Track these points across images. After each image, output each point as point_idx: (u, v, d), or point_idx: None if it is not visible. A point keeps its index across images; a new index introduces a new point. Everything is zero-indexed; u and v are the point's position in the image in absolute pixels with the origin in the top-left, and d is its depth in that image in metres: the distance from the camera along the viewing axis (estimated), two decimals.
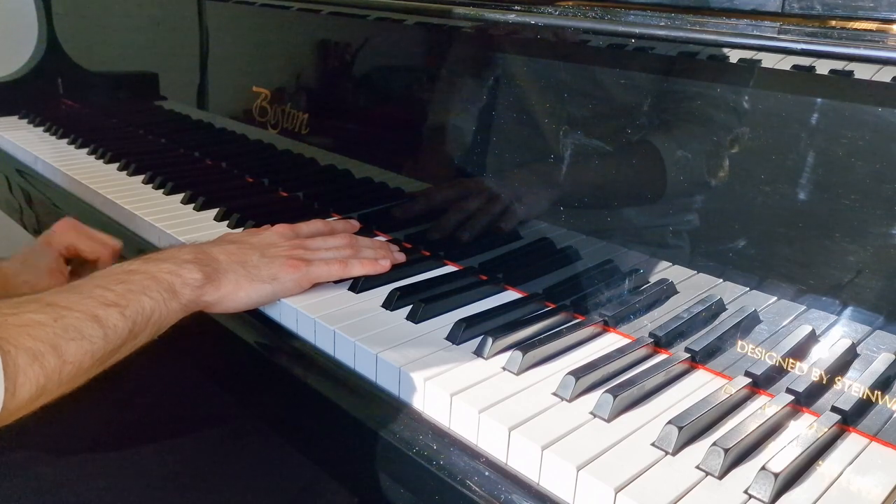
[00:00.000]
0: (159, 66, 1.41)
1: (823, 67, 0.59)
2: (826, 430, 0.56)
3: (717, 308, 0.69)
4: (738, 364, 0.65)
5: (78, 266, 0.97)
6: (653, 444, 0.56)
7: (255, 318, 0.79)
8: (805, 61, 0.60)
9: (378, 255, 0.84)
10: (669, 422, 0.56)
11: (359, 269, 0.80)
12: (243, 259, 0.76)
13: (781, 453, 0.53)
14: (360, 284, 0.79)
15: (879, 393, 0.58)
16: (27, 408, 0.58)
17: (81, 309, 0.62)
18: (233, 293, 0.74)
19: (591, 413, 0.59)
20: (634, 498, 0.50)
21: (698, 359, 0.66)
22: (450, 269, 0.86)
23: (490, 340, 0.67)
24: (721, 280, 0.69)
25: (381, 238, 0.94)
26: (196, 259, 0.73)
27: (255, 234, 0.83)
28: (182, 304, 0.70)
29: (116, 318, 0.64)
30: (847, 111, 0.59)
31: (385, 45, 0.97)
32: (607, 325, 0.73)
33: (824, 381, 0.61)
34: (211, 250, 0.76)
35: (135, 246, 0.98)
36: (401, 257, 0.86)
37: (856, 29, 0.58)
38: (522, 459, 0.56)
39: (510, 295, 0.80)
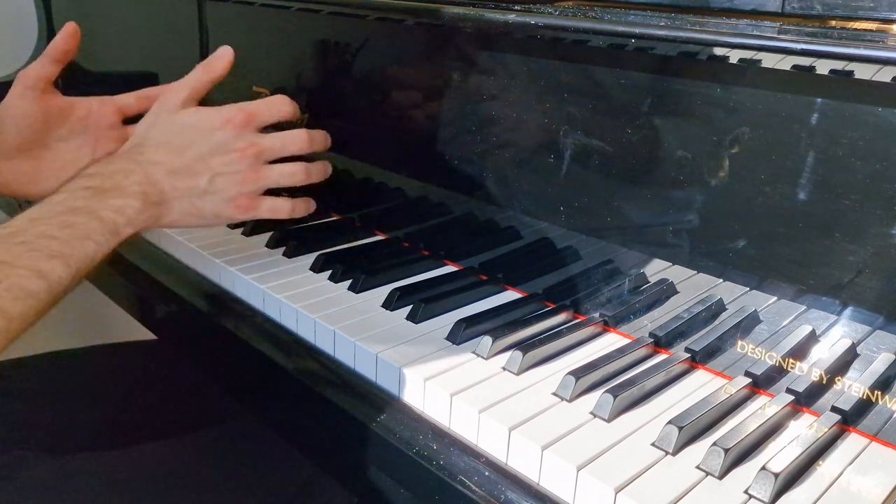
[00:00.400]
0: (159, 66, 1.41)
1: (823, 67, 0.59)
2: (826, 430, 0.56)
3: (717, 308, 0.69)
4: (738, 364, 0.65)
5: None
6: (653, 444, 0.56)
7: (255, 318, 0.79)
8: (805, 61, 0.60)
9: (318, 169, 0.83)
10: (669, 422, 0.56)
11: (303, 210, 0.81)
12: (191, 185, 0.74)
13: (781, 453, 0.53)
14: (359, 284, 0.79)
15: (879, 393, 0.58)
16: None
17: (26, 265, 0.61)
18: (172, 224, 0.75)
19: (592, 413, 0.59)
20: (634, 498, 0.50)
21: (698, 359, 0.66)
22: (450, 269, 0.86)
23: (490, 340, 0.67)
24: (721, 280, 0.69)
25: (380, 237, 0.95)
26: (143, 193, 0.71)
27: (210, 129, 0.76)
28: (121, 239, 0.69)
29: (61, 269, 0.63)
30: (847, 111, 0.59)
31: (385, 45, 0.97)
32: (607, 325, 0.73)
33: (824, 381, 0.61)
34: (157, 175, 0.73)
35: (134, 245, 0.98)
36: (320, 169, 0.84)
37: (856, 29, 0.58)
38: (522, 459, 0.56)
39: (510, 295, 0.80)
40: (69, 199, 0.68)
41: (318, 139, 0.82)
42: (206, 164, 0.74)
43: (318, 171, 0.83)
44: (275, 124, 0.81)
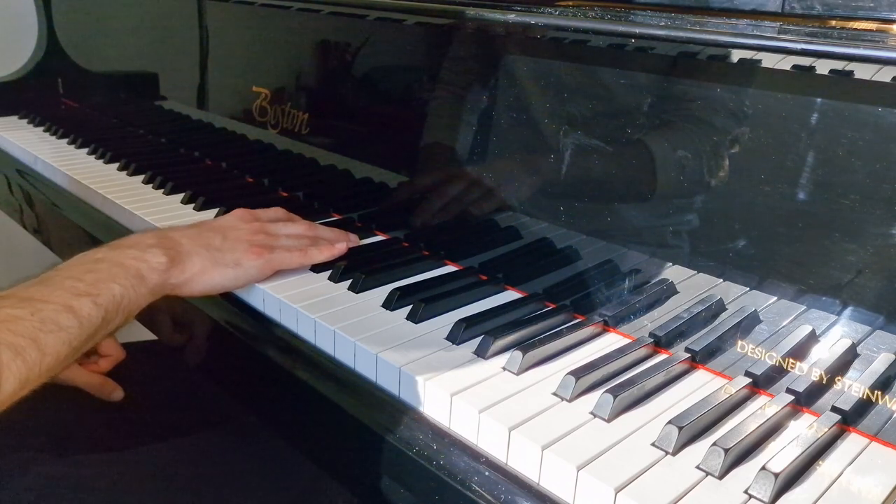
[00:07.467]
0: (159, 66, 1.41)
1: (823, 67, 0.59)
2: (826, 430, 0.56)
3: (717, 308, 0.69)
4: (738, 364, 0.65)
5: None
6: (653, 444, 0.56)
7: (255, 318, 0.79)
8: (805, 61, 0.60)
9: (335, 238, 0.87)
10: (669, 422, 0.56)
11: (318, 256, 0.83)
12: (206, 242, 0.78)
13: (781, 453, 0.53)
14: (360, 284, 0.79)
15: (879, 393, 0.58)
16: (9, 401, 0.59)
17: (56, 300, 0.64)
18: (198, 276, 0.76)
19: (592, 413, 0.59)
20: (635, 498, 0.50)
21: (698, 359, 0.66)
22: (450, 269, 0.86)
23: (490, 340, 0.67)
24: (721, 280, 0.69)
25: (380, 237, 0.95)
26: (160, 244, 0.75)
27: (216, 220, 0.85)
28: (150, 288, 0.72)
29: (90, 307, 0.65)
30: (847, 111, 0.59)
31: (385, 45, 0.97)
32: (607, 325, 0.73)
33: (824, 381, 0.61)
34: (173, 235, 0.78)
35: None
36: (355, 240, 0.89)
37: (856, 29, 0.58)
38: (522, 459, 0.56)
39: (510, 295, 0.80)
40: (90, 255, 0.72)
41: (322, 234, 0.88)
42: (218, 231, 0.81)
43: (322, 251, 0.84)
44: None
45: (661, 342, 0.69)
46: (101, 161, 1.26)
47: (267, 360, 0.76)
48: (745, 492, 0.51)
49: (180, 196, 1.07)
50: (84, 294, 0.66)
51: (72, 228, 1.11)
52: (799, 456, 0.53)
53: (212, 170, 1.24)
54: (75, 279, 0.67)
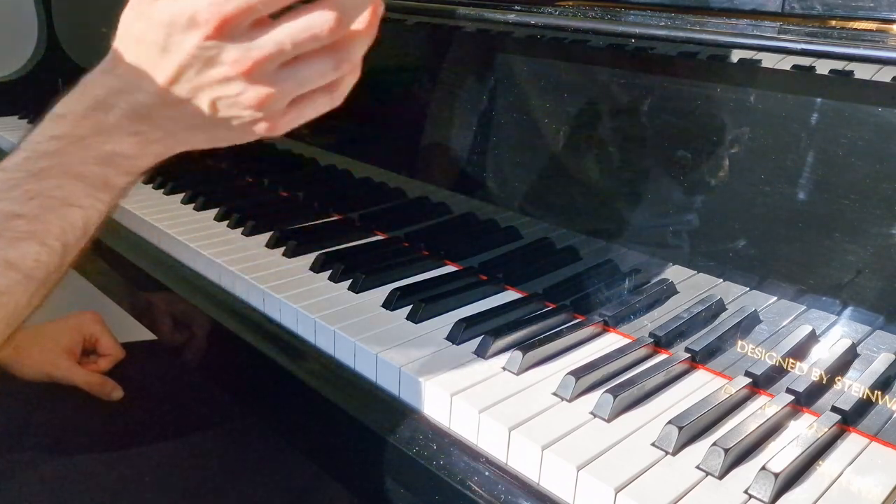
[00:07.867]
0: None
1: (823, 67, 0.59)
2: (826, 430, 0.56)
3: (717, 308, 0.69)
4: (738, 364, 0.65)
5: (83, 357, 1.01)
6: (653, 444, 0.55)
7: (255, 317, 0.79)
8: (805, 61, 0.60)
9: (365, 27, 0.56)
10: (669, 422, 0.56)
11: (345, 88, 0.59)
12: (192, 115, 0.53)
13: (781, 453, 0.53)
14: (359, 284, 0.79)
15: (879, 393, 0.58)
16: None
17: None
18: (192, 148, 0.58)
19: (592, 413, 0.59)
20: (635, 498, 0.50)
21: (698, 359, 0.66)
22: (450, 269, 0.86)
23: (490, 340, 0.67)
24: (721, 280, 0.69)
25: (380, 237, 0.94)
26: (137, 132, 0.52)
27: (182, 30, 0.49)
28: (117, 192, 0.54)
29: (35, 251, 0.49)
30: (847, 111, 0.59)
31: (385, 45, 0.97)
32: (607, 325, 0.73)
33: (824, 381, 0.61)
34: (148, 107, 0.52)
35: (134, 246, 0.98)
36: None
37: (856, 29, 0.58)
38: (522, 459, 0.56)
39: (510, 295, 0.80)
40: (31, 161, 0.50)
41: (349, 12, 0.54)
42: (195, 84, 0.51)
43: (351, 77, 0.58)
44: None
45: (661, 342, 0.69)
46: None
47: (267, 360, 0.76)
48: (745, 492, 0.51)
49: (180, 196, 1.07)
50: (26, 236, 0.49)
51: None
52: (799, 456, 0.53)
53: (211, 170, 1.23)
54: (10, 215, 0.48)
